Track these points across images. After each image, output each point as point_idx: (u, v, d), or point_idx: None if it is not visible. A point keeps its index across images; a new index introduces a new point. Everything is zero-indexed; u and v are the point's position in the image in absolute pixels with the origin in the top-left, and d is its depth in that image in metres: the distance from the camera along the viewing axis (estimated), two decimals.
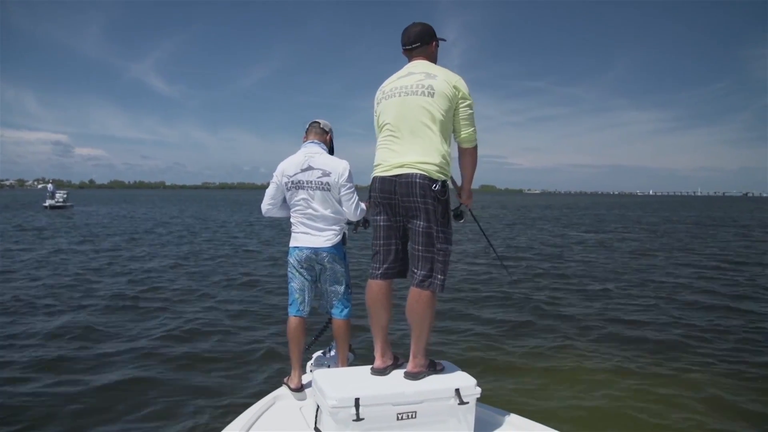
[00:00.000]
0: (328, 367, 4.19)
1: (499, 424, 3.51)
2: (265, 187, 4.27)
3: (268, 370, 6.68)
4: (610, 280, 13.85)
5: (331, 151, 4.22)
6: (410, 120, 3.42)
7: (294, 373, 4.04)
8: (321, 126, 4.15)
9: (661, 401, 5.95)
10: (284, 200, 4.14)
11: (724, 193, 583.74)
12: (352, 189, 3.99)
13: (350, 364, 4.10)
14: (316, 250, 4.01)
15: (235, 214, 46.54)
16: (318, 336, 4.55)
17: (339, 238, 4.04)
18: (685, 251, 20.58)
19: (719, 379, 6.62)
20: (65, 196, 54.04)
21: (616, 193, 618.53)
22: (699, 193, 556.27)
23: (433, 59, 3.68)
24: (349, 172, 3.98)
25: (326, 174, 3.94)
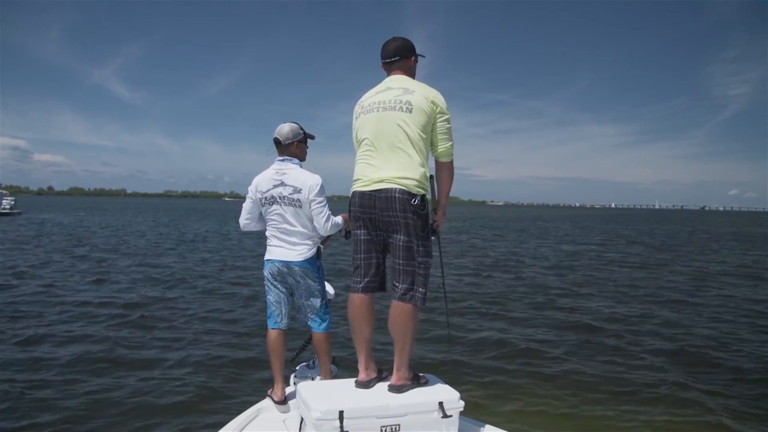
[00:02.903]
0: (312, 379, 4.19)
1: None
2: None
3: (252, 382, 6.61)
4: (610, 294, 13.90)
5: (303, 156, 4.18)
6: (388, 135, 3.43)
7: (277, 386, 4.04)
8: (282, 142, 4.07)
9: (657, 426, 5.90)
10: (261, 214, 4.15)
11: (682, 207, 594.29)
12: (323, 203, 3.95)
13: (334, 377, 4.11)
14: (287, 264, 4.01)
15: (198, 223, 45.91)
16: (300, 351, 4.55)
17: (312, 252, 4.04)
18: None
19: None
20: (13, 202, 52.37)
21: (578, 205, 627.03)
22: (657, 206, 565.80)
23: (412, 74, 3.70)
24: (320, 186, 3.96)
25: (297, 191, 3.93)
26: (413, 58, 3.71)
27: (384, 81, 3.66)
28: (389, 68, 3.69)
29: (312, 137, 4.25)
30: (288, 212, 3.97)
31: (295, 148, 4.11)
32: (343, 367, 4.45)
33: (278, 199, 3.98)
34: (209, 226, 42.70)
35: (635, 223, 73.02)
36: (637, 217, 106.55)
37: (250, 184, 4.16)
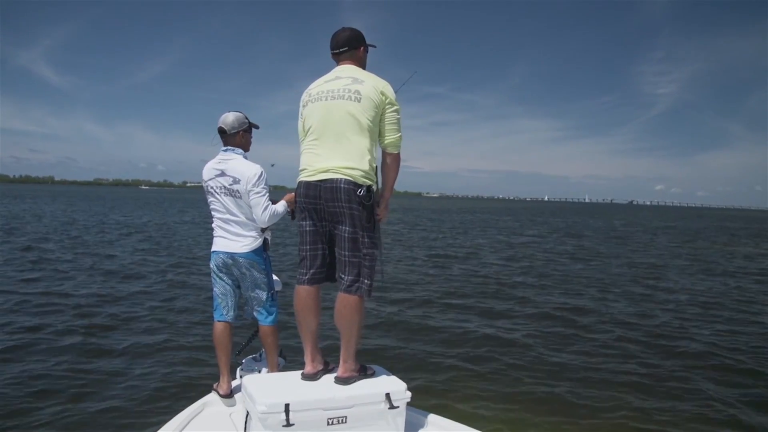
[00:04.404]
0: (259, 372, 4.15)
1: (429, 428, 3.59)
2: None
3: (197, 376, 6.47)
4: (562, 284, 14.07)
5: (248, 146, 4.14)
6: (335, 124, 3.42)
7: (222, 379, 4.01)
8: (227, 132, 4.04)
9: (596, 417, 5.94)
10: None
11: (611, 200, 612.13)
12: (261, 194, 3.90)
13: (281, 370, 4.08)
14: (232, 255, 3.99)
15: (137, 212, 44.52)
16: (247, 344, 4.50)
17: (257, 243, 4.01)
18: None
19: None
20: None
21: (512, 198, 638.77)
22: (588, 200, 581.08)
23: (362, 64, 3.70)
24: (259, 177, 3.91)
25: (236, 181, 3.90)
26: (362, 48, 3.71)
27: (333, 70, 3.65)
28: (338, 59, 3.68)
29: (257, 127, 4.22)
30: (229, 203, 3.95)
31: (240, 137, 4.07)
32: (290, 359, 4.41)
33: (218, 189, 3.96)
34: (142, 215, 41.57)
35: (572, 216, 74.64)
36: (571, 211, 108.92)
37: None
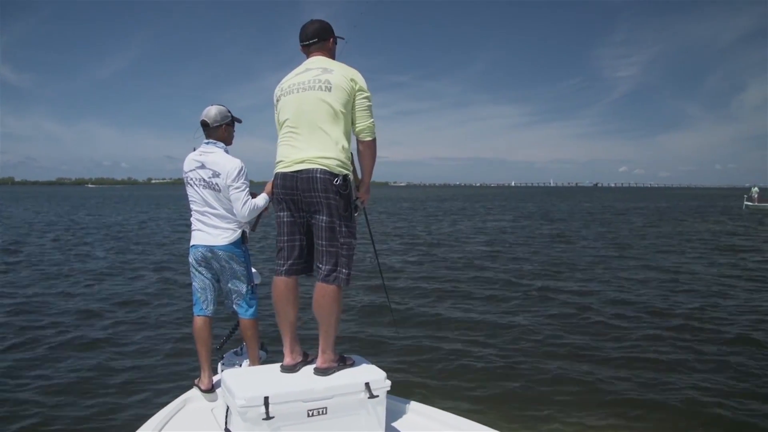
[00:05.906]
0: (240, 366, 4.15)
1: (409, 416, 3.64)
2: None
3: (178, 371, 6.46)
4: (536, 272, 14.07)
5: (230, 140, 4.12)
6: (309, 115, 3.43)
7: (203, 374, 4.00)
8: (210, 125, 4.02)
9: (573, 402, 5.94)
10: None
11: (576, 184, 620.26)
12: (241, 188, 3.89)
13: (263, 363, 4.08)
14: (211, 248, 3.97)
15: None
16: (228, 337, 4.48)
17: (236, 236, 4.00)
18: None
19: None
20: None
21: (478, 184, 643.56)
22: (553, 184, 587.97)
23: (332, 56, 3.71)
24: (239, 171, 3.90)
25: (216, 175, 3.89)
26: (332, 39, 3.72)
27: (303, 63, 3.66)
28: (308, 51, 3.68)
29: (239, 121, 4.22)
30: (208, 195, 3.94)
31: (223, 131, 4.07)
32: (271, 352, 4.40)
33: (198, 181, 3.95)
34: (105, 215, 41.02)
35: (545, 200, 75.31)
36: (540, 195, 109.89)
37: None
